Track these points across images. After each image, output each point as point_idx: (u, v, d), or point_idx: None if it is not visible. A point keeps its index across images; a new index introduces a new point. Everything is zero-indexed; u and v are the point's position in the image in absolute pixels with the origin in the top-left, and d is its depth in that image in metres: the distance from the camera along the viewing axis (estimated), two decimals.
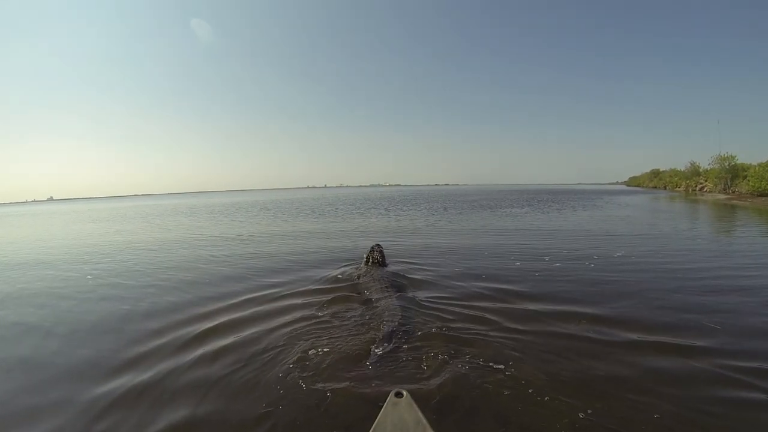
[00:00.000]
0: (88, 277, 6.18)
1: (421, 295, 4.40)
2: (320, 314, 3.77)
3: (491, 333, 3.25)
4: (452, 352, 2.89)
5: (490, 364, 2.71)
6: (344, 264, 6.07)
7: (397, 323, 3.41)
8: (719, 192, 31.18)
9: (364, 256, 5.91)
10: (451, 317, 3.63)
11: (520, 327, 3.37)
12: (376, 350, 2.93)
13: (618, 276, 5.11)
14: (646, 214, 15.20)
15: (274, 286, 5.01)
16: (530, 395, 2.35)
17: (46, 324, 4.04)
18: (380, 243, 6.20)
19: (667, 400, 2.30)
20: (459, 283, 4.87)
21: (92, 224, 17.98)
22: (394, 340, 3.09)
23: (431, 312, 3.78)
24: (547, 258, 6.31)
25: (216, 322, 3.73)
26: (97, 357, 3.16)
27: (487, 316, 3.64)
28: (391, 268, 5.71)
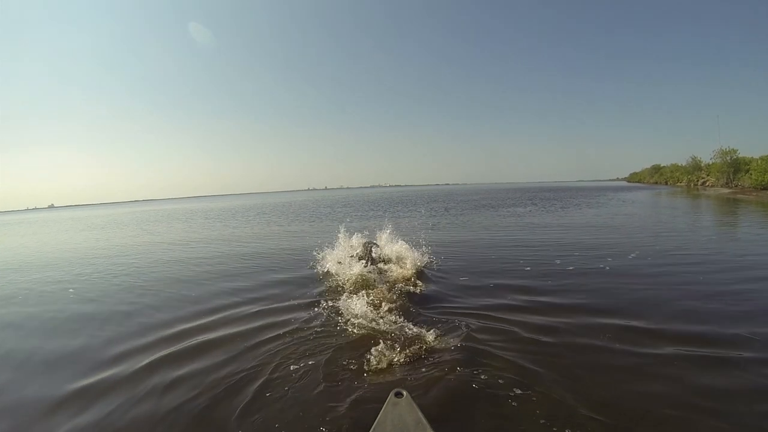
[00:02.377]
0: (70, 290, 5.81)
1: (425, 299, 4.12)
2: (304, 321, 3.58)
3: (502, 343, 2.93)
4: (459, 361, 2.57)
5: (503, 378, 2.37)
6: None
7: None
8: (722, 186, 30.83)
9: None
10: (459, 323, 3.31)
11: (536, 338, 3.02)
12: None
13: (636, 280, 4.75)
14: (653, 210, 14.88)
15: (254, 290, 4.95)
16: (552, 417, 1.98)
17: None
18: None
19: (711, 418, 2.00)
20: (466, 287, 4.60)
21: (85, 232, 17.60)
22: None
23: (433, 317, 3.47)
24: (558, 261, 5.93)
25: (191, 326, 3.68)
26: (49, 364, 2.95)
27: (497, 323, 3.32)
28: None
